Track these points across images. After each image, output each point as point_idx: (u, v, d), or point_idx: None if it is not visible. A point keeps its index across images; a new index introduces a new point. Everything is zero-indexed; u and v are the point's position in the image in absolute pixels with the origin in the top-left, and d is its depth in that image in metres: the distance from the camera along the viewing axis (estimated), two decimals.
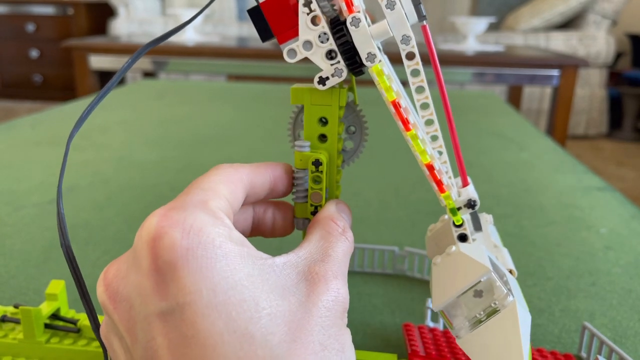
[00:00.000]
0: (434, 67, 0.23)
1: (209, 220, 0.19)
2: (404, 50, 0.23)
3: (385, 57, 0.25)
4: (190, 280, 0.17)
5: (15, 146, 0.73)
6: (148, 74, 2.52)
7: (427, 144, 0.24)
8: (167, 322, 0.17)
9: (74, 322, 0.28)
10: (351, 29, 0.23)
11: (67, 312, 0.29)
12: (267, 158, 0.70)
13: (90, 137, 0.78)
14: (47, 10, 3.19)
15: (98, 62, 2.00)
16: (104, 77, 2.12)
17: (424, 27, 0.23)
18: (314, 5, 0.23)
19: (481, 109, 1.06)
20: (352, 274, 0.40)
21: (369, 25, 0.23)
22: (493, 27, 2.77)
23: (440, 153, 0.25)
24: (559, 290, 0.38)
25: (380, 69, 0.23)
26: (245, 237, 0.26)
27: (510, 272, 0.25)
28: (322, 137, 0.26)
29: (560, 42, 2.54)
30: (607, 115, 2.75)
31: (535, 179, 0.63)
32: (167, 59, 1.97)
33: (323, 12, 0.23)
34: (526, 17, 2.64)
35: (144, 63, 2.00)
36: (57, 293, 0.28)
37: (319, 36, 0.23)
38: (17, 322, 0.29)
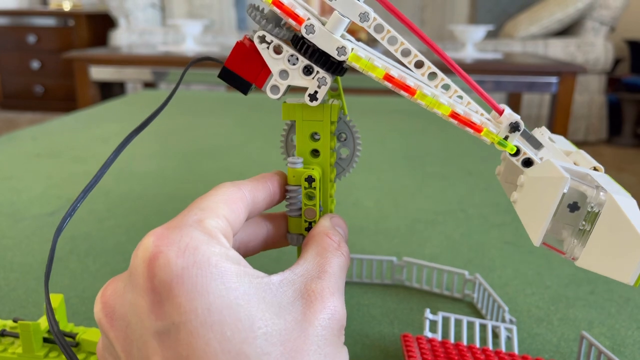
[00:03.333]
0: (403, 22, 0.23)
1: (204, 239, 0.19)
2: (369, 27, 0.23)
3: (360, 43, 0.25)
4: (186, 299, 0.17)
5: (16, 158, 0.73)
6: (148, 85, 2.53)
7: (441, 96, 0.24)
8: (163, 341, 0.17)
9: (72, 336, 0.28)
10: (309, 37, 0.23)
11: (66, 326, 0.29)
12: (266, 168, 0.71)
13: (90, 148, 0.78)
14: (48, 21, 3.21)
15: (98, 73, 2.01)
16: (105, 88, 2.13)
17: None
18: (269, 37, 0.23)
19: None
20: (350, 284, 0.40)
21: (323, 24, 0.23)
22: (491, 35, 2.79)
23: (461, 97, 0.24)
24: (558, 299, 0.38)
25: (356, 55, 0.23)
26: (258, 251, 0.27)
27: (595, 169, 0.23)
28: (315, 152, 0.26)
29: (559, 49, 2.55)
30: (607, 121, 2.75)
31: None
32: (167, 70, 1.98)
33: (280, 38, 0.23)
34: (524, 24, 2.65)
35: (145, 74, 2.01)
36: (56, 307, 0.28)
37: (288, 60, 0.24)
38: (16, 336, 0.29)
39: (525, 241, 0.48)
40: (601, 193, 0.21)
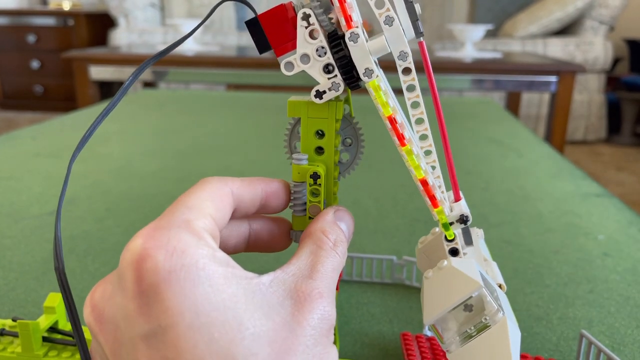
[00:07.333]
0: (430, 84, 0.24)
1: (192, 241, 0.19)
2: (400, 66, 0.23)
3: (381, 71, 0.25)
4: (173, 302, 0.17)
5: (15, 157, 0.73)
6: (148, 84, 2.53)
7: (422, 159, 0.24)
8: (151, 344, 0.17)
9: (71, 335, 0.28)
10: (350, 44, 0.23)
11: (65, 325, 0.29)
12: (266, 167, 0.71)
13: (90, 147, 0.78)
14: (48, 21, 3.21)
15: (98, 72, 2.01)
16: (104, 88, 2.13)
17: (420, 44, 0.23)
18: (312, 19, 0.23)
19: (479, 116, 1.06)
20: (350, 283, 0.40)
21: (366, 41, 0.23)
22: (491, 34, 2.79)
23: (434, 168, 0.25)
24: (557, 297, 0.38)
25: (377, 84, 0.23)
26: (241, 251, 0.26)
27: (500, 286, 0.25)
28: (319, 150, 0.26)
29: (558, 48, 2.55)
30: (606, 120, 2.75)
31: (533, 185, 0.63)
32: (167, 69, 1.98)
33: (321, 26, 0.23)
34: (524, 23, 2.65)
35: (145, 74, 2.01)
36: (55, 306, 0.28)
37: (317, 50, 0.23)
38: (15, 335, 0.29)
39: (524, 240, 0.48)
40: (500, 313, 0.23)
